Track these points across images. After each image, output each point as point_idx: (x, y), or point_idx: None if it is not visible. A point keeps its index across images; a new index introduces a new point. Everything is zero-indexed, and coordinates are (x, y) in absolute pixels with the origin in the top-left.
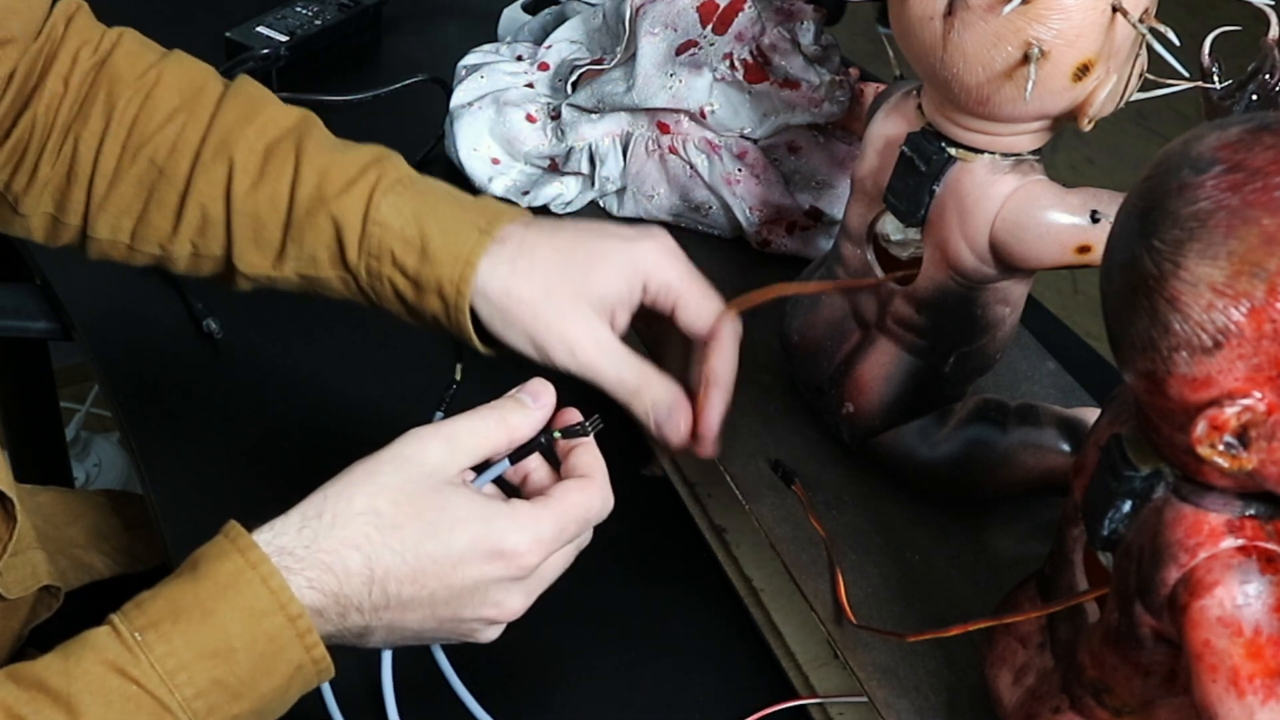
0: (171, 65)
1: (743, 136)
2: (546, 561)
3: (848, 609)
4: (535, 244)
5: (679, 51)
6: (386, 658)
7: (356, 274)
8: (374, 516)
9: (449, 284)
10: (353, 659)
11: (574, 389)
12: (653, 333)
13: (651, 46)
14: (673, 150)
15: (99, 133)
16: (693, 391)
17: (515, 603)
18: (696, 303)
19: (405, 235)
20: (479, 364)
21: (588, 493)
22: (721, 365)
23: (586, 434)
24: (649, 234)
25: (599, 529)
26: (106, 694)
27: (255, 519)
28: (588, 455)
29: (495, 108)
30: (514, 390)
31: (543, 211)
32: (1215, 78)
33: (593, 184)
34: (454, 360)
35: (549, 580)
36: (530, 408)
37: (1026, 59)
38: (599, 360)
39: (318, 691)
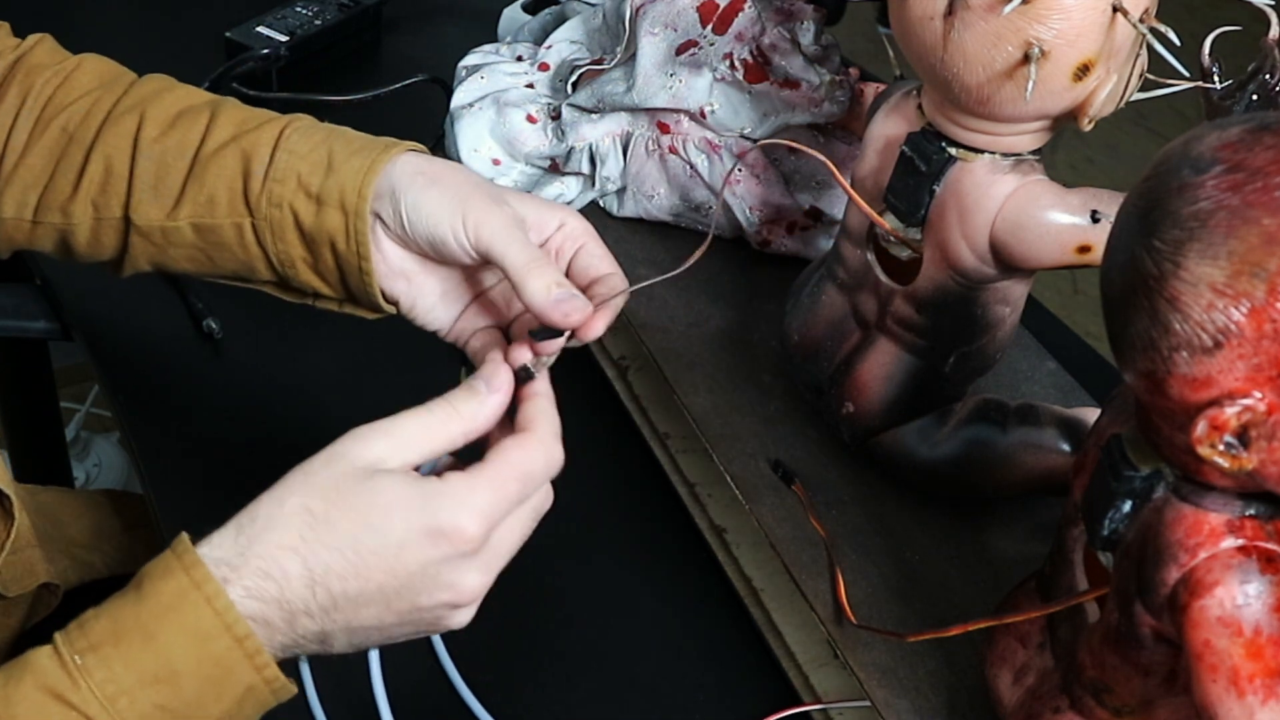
0: (92, 58)
1: (743, 136)
2: (498, 532)
3: (848, 609)
4: (452, 162)
5: (679, 51)
6: (375, 658)
7: (255, 209)
8: (306, 515)
9: (351, 191)
10: (347, 660)
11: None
12: None
13: (651, 46)
14: (673, 150)
15: (14, 110)
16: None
17: (471, 580)
18: (602, 251)
19: (313, 157)
20: None
21: (525, 448)
22: (617, 283)
23: (531, 377)
24: None
25: (600, 529)
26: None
27: (212, 531)
28: (533, 408)
29: (496, 108)
30: (469, 379)
31: None
32: (1215, 78)
33: (593, 184)
34: (459, 362)
35: (507, 552)
36: (483, 393)
37: (1027, 59)
38: (511, 233)
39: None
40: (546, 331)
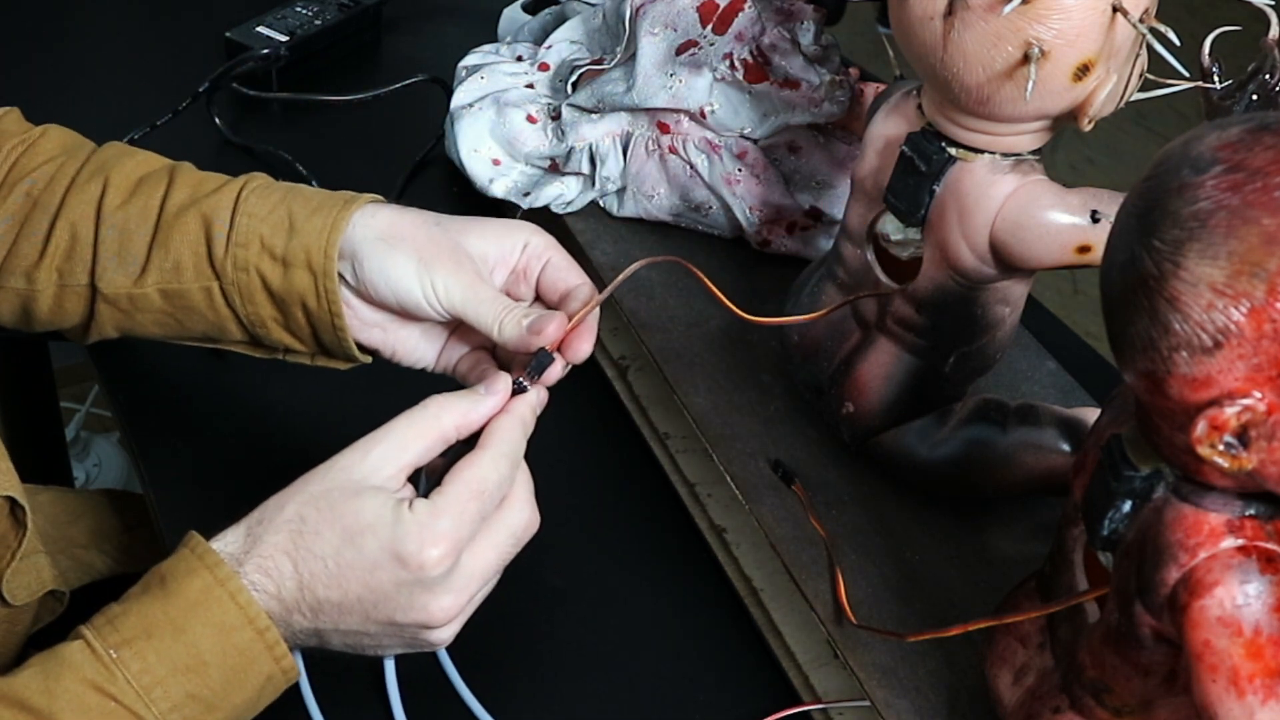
0: (55, 128)
1: (743, 136)
2: (468, 554)
3: (848, 609)
4: (409, 210)
5: (679, 51)
6: (390, 665)
7: (222, 273)
8: (299, 523)
9: (316, 251)
10: (357, 661)
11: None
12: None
13: (651, 46)
14: (673, 150)
15: None
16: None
17: (442, 603)
18: (566, 262)
19: (273, 219)
20: None
21: (477, 466)
22: (586, 293)
23: (524, 389)
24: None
25: (600, 529)
26: (86, 710)
27: (226, 527)
28: (493, 425)
29: (496, 109)
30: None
31: (543, 212)
32: (1215, 78)
33: (593, 184)
34: None
35: (482, 574)
36: (481, 394)
37: (1027, 59)
38: (479, 292)
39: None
40: (539, 361)
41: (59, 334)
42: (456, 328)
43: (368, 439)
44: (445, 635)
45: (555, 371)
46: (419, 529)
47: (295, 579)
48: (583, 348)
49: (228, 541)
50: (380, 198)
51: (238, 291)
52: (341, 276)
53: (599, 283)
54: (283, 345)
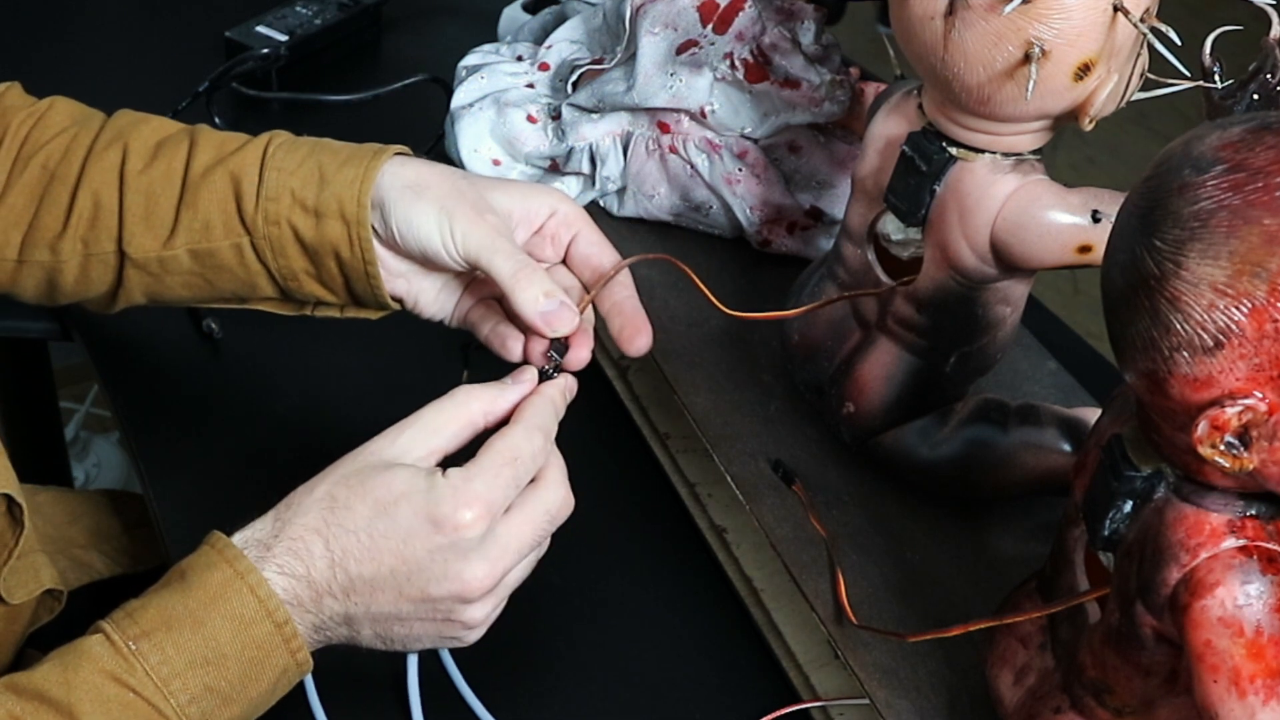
0: (62, 99)
1: (743, 136)
2: (503, 524)
3: (848, 609)
4: (437, 164)
5: (679, 51)
6: (413, 660)
7: (252, 228)
8: (330, 501)
9: (349, 200)
10: (368, 669)
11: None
12: None
13: (652, 46)
14: (673, 150)
15: None
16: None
17: (476, 570)
18: (598, 238)
19: (303, 172)
20: (484, 366)
21: (510, 435)
22: (626, 294)
23: (550, 376)
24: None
25: (600, 529)
26: (105, 701)
27: (253, 520)
28: (526, 403)
29: (496, 109)
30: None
31: None
32: (1216, 77)
33: (593, 184)
34: (460, 364)
35: (517, 547)
36: (508, 384)
37: (1027, 58)
38: (496, 243)
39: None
40: (557, 345)
41: (81, 306)
42: (471, 281)
43: (396, 426)
44: (479, 615)
45: (580, 355)
46: (453, 492)
47: (327, 557)
48: (579, 354)
49: (256, 529)
50: (407, 149)
51: (269, 245)
52: (370, 226)
53: None
54: (314, 298)
